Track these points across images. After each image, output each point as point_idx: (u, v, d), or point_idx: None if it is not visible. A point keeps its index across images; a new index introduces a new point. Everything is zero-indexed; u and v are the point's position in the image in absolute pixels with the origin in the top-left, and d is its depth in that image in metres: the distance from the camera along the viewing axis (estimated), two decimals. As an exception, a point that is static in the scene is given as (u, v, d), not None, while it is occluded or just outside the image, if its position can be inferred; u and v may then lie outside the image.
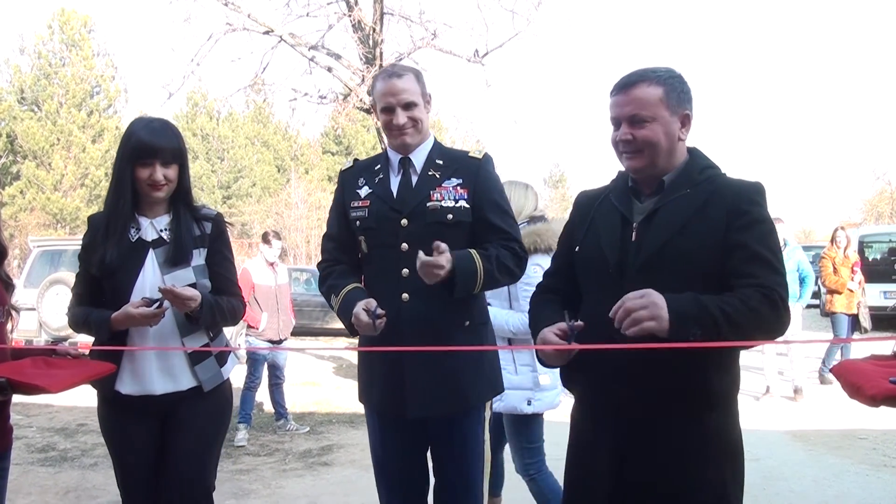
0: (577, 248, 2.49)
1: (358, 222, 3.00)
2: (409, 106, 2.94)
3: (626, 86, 2.29)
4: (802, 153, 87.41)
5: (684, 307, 1.99)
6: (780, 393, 9.11)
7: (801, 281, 9.02)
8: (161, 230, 2.96)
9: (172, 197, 2.98)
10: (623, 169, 2.42)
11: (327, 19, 11.72)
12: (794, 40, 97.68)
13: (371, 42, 11.18)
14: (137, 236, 2.95)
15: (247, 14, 11.21)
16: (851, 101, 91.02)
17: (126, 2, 56.37)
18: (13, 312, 2.97)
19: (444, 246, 2.64)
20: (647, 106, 2.25)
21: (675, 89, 2.29)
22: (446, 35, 11.64)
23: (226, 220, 3.17)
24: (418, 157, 3.01)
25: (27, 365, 2.70)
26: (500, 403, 3.98)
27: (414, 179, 2.98)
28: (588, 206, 2.54)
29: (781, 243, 8.56)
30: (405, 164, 3.01)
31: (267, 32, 11.42)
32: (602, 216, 2.45)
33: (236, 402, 6.50)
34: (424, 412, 2.90)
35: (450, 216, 2.90)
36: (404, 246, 2.88)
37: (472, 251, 2.80)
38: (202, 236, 3.03)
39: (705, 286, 2.12)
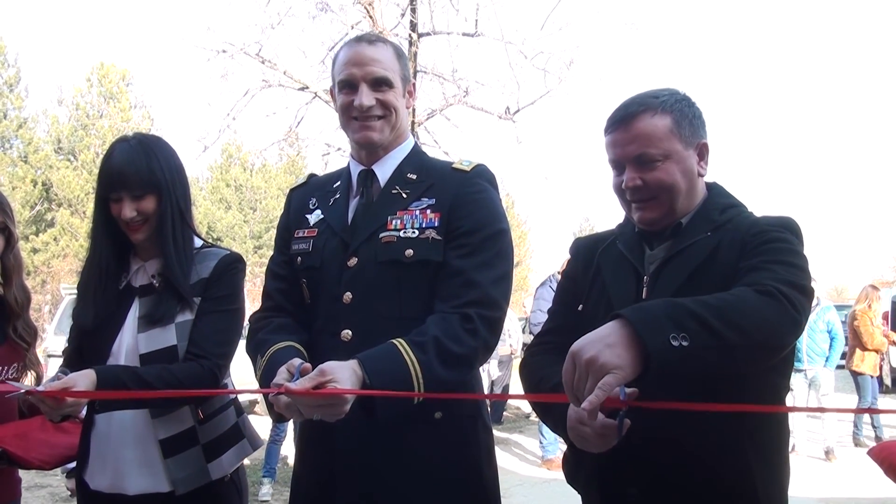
0: (580, 307, 2.01)
1: (299, 259, 2.18)
2: (379, 83, 2.10)
3: (624, 119, 1.83)
4: (833, 209, 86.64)
5: (649, 310, 1.46)
6: (808, 453, 8.92)
7: (831, 342, 8.84)
8: (153, 275, 2.33)
9: (156, 236, 2.31)
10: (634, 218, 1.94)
11: (362, 77, 11.83)
12: (827, 92, 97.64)
13: (404, 99, 11.28)
14: (126, 282, 2.35)
15: (283, 71, 11.40)
16: (884, 157, 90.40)
17: (164, 57, 57.79)
18: (33, 369, 2.62)
19: (328, 369, 1.73)
20: (656, 141, 1.80)
21: (685, 115, 1.85)
22: (478, 92, 11.63)
23: (239, 262, 2.43)
24: (384, 169, 2.17)
25: (35, 427, 2.37)
26: None
27: (375, 200, 2.17)
28: (590, 254, 2.06)
29: (814, 302, 8.51)
30: (366, 179, 2.19)
31: (302, 89, 11.60)
32: (610, 267, 1.98)
33: (259, 455, 6.50)
34: None
35: (409, 252, 2.03)
36: (347, 296, 2.05)
37: (398, 343, 1.89)
38: (200, 282, 2.33)
39: None
